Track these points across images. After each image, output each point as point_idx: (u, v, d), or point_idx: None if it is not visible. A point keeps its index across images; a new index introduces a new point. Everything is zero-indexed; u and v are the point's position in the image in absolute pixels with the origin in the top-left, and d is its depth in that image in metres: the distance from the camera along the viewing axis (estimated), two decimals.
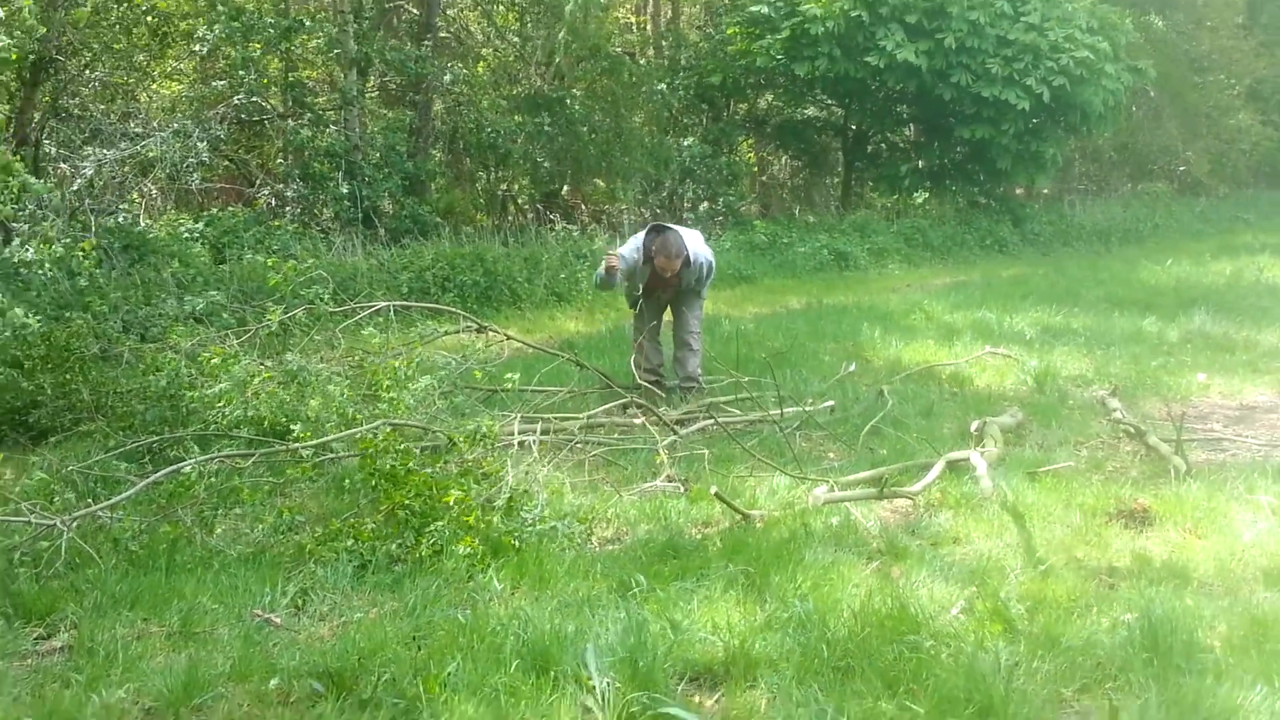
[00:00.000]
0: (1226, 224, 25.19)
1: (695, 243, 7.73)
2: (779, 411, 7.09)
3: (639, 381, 7.52)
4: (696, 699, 3.74)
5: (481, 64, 17.68)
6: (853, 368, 8.67)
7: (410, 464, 5.15)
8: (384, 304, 7.63)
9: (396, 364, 6.24)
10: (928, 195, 21.51)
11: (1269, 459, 6.47)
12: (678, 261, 7.47)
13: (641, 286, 7.78)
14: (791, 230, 18.03)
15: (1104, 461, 6.48)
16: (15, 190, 6.61)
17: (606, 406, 7.18)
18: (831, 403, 7.65)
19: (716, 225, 17.78)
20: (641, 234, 7.74)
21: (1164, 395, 8.25)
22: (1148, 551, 4.97)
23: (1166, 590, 4.49)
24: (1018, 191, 23.10)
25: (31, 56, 10.99)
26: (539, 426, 6.48)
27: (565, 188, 17.87)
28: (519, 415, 6.56)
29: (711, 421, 6.98)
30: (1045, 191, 24.42)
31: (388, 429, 5.45)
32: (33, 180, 7.01)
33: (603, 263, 7.56)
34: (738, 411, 7.42)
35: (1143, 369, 9.04)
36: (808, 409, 7.36)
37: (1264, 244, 19.17)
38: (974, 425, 6.99)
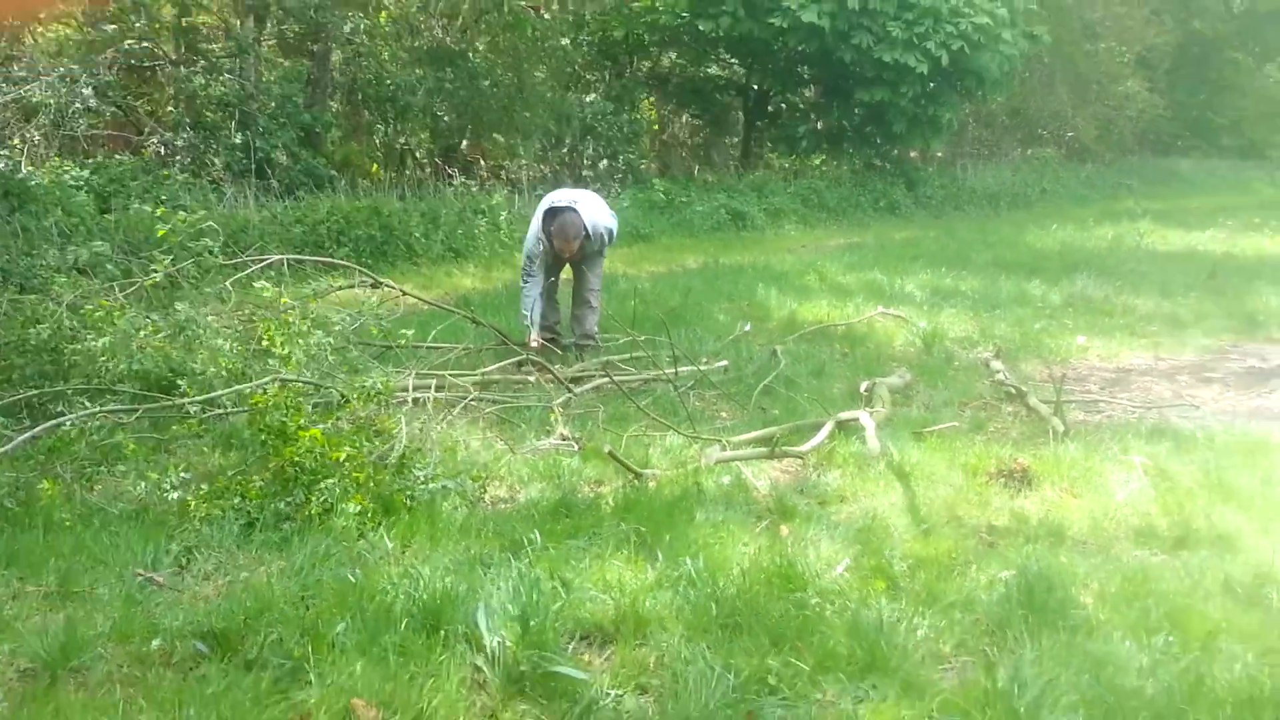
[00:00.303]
0: (1111, 190, 25.86)
1: (595, 211, 7.69)
2: (674, 371, 7.11)
3: (533, 338, 7.49)
4: (586, 658, 3.75)
5: (383, 14, 17.29)
6: (748, 328, 8.72)
7: (301, 420, 5.06)
8: (276, 257, 7.46)
9: (288, 318, 6.10)
10: (825, 157, 21.68)
11: (1143, 421, 6.67)
12: (575, 243, 7.46)
13: (547, 262, 7.73)
14: (690, 190, 18.04)
15: (986, 422, 6.62)
16: None
17: (502, 364, 7.14)
18: (725, 362, 7.69)
19: (616, 183, 17.70)
20: (538, 218, 7.67)
21: (1045, 357, 8.45)
22: (1026, 511, 5.10)
23: (1043, 548, 4.61)
24: (912, 155, 23.40)
25: None
26: (433, 384, 6.40)
27: (465, 143, 17.63)
28: (413, 372, 6.49)
29: (607, 380, 6.97)
30: (939, 155, 24.77)
31: (278, 385, 5.34)
32: None
33: (529, 338, 7.53)
34: (633, 370, 7.42)
35: (1026, 331, 9.25)
36: (702, 368, 7.39)
37: (1145, 210, 19.70)
38: (864, 386, 7.08)
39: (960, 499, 5.21)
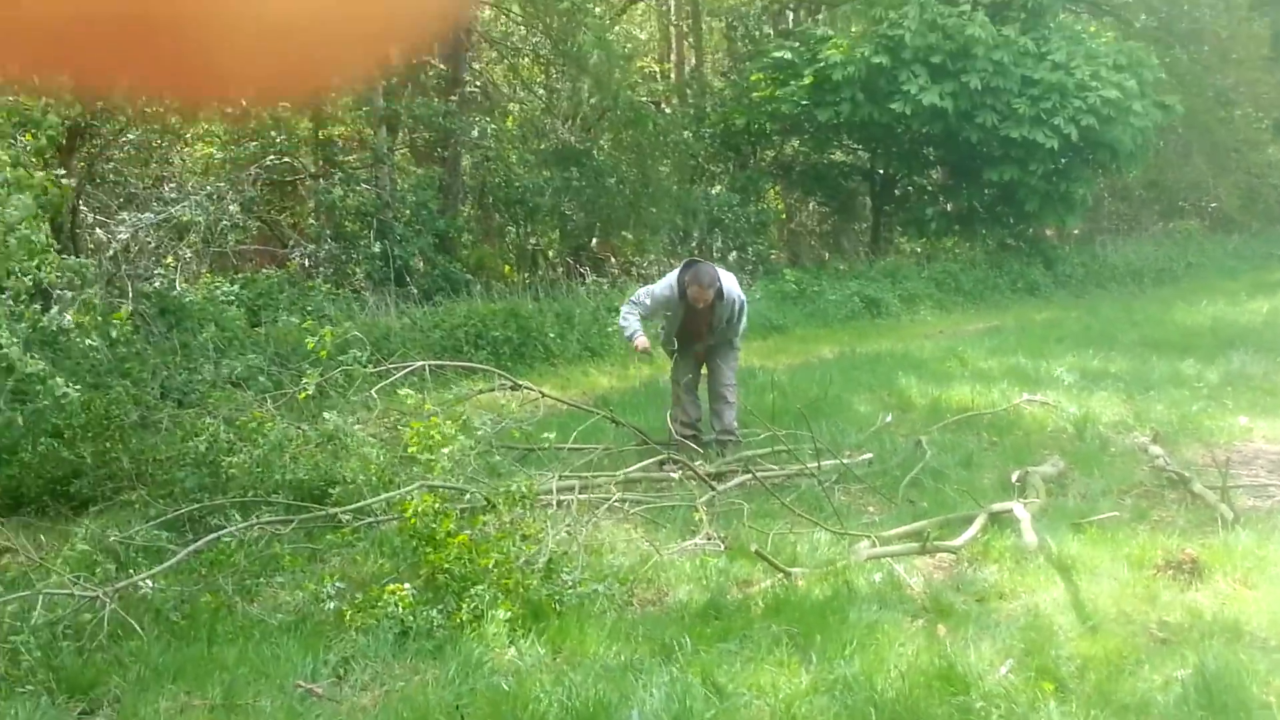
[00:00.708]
0: (1260, 260, 25.02)
1: (729, 280, 7.77)
2: (816, 464, 7.07)
3: (675, 437, 7.51)
4: None
5: (509, 118, 17.85)
6: (889, 418, 8.64)
7: (449, 526, 5.15)
8: (418, 364, 7.66)
9: (433, 424, 6.25)
10: (957, 239, 21.50)
11: None
12: (710, 291, 7.46)
13: (676, 327, 7.78)
14: (821, 278, 18.05)
15: (1149, 511, 6.41)
16: (54, 261, 6.69)
17: (644, 463, 7.18)
18: (869, 454, 7.63)
19: (746, 274, 17.77)
20: (675, 272, 7.78)
21: (1206, 440, 8.17)
22: (1198, 605, 4.90)
23: (1219, 645, 4.42)
24: (1048, 233, 23.05)
25: (67, 123, 11.18)
26: (576, 485, 6.47)
27: (594, 240, 17.97)
28: (556, 474, 6.56)
29: (749, 476, 6.96)
30: (1075, 232, 24.33)
31: (425, 491, 5.45)
32: (71, 259, 7.11)
33: (634, 341, 7.62)
34: (775, 466, 7.40)
35: (1183, 413, 8.96)
36: (845, 461, 7.33)
37: None
38: (1015, 475, 6.94)
39: (1127, 593, 5.04)
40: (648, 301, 7.70)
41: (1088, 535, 5.84)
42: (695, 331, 7.81)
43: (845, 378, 10.83)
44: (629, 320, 7.76)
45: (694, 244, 18.02)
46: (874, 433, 8.29)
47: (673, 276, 7.74)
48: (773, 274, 18.01)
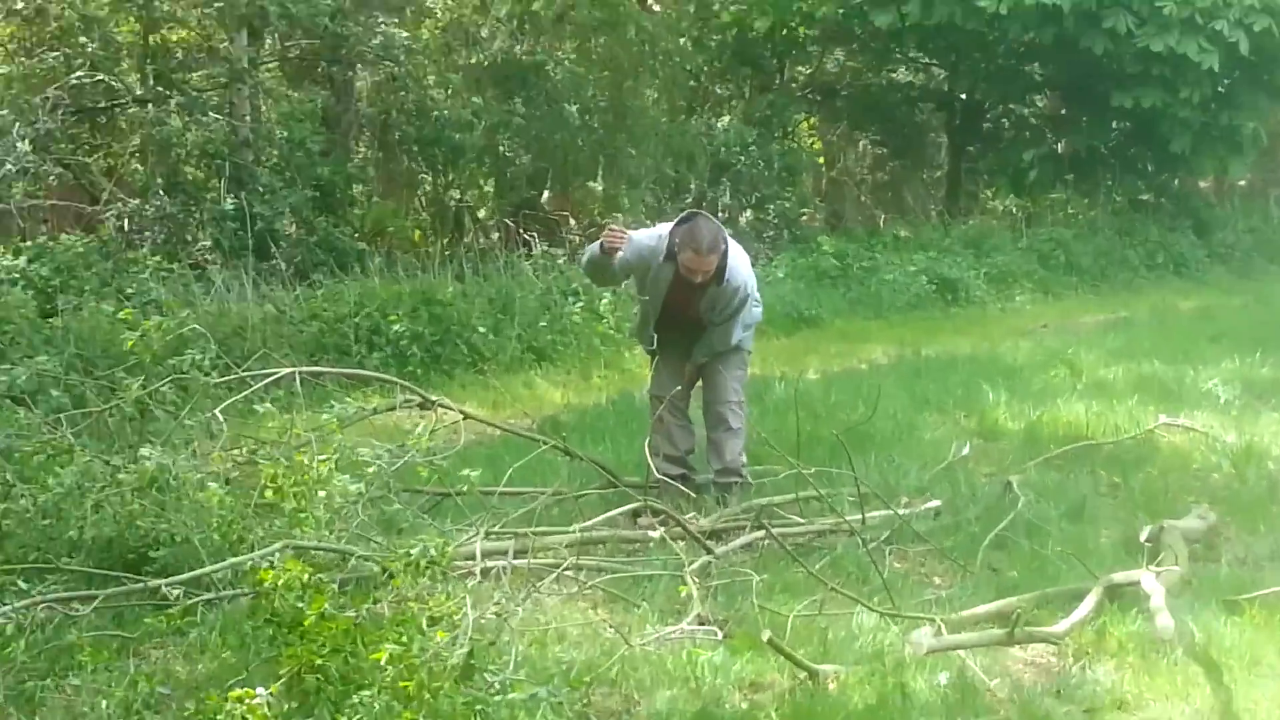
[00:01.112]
0: None
1: (739, 258, 7.74)
2: (860, 517, 7.07)
3: (657, 476, 7.49)
4: None
5: (427, 22, 17.82)
6: (967, 450, 8.65)
7: (323, 605, 5.13)
8: (286, 370, 7.61)
9: (303, 458, 6.22)
10: (1069, 193, 21.57)
11: None
12: (710, 259, 7.42)
13: (658, 306, 7.77)
14: (875, 249, 18.09)
15: None
16: None
17: (609, 514, 7.16)
18: (936, 502, 7.64)
19: (765, 245, 17.84)
20: (667, 224, 7.79)
21: None
22: None
23: None
24: (1202, 185, 23.20)
25: None
26: (511, 546, 6.44)
27: (546, 195, 17.97)
28: (482, 530, 6.54)
29: (762, 534, 6.95)
30: (1242, 183, 24.46)
31: (289, 554, 5.43)
32: None
33: (600, 239, 7.67)
34: (799, 518, 7.39)
35: None
36: (902, 512, 7.34)
37: None
38: (1145, 533, 6.96)
39: None
40: (633, 241, 7.72)
41: (1247, 618, 5.85)
42: (681, 317, 7.81)
43: (904, 391, 10.85)
44: (587, 252, 7.93)
45: (689, 198, 18.05)
46: (944, 471, 8.29)
47: (663, 229, 7.76)
48: (804, 243, 18.07)
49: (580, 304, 13.69)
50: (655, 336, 7.95)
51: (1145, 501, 7.84)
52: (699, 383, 8.19)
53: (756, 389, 9.54)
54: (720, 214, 18.56)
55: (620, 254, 7.60)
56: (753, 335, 8.31)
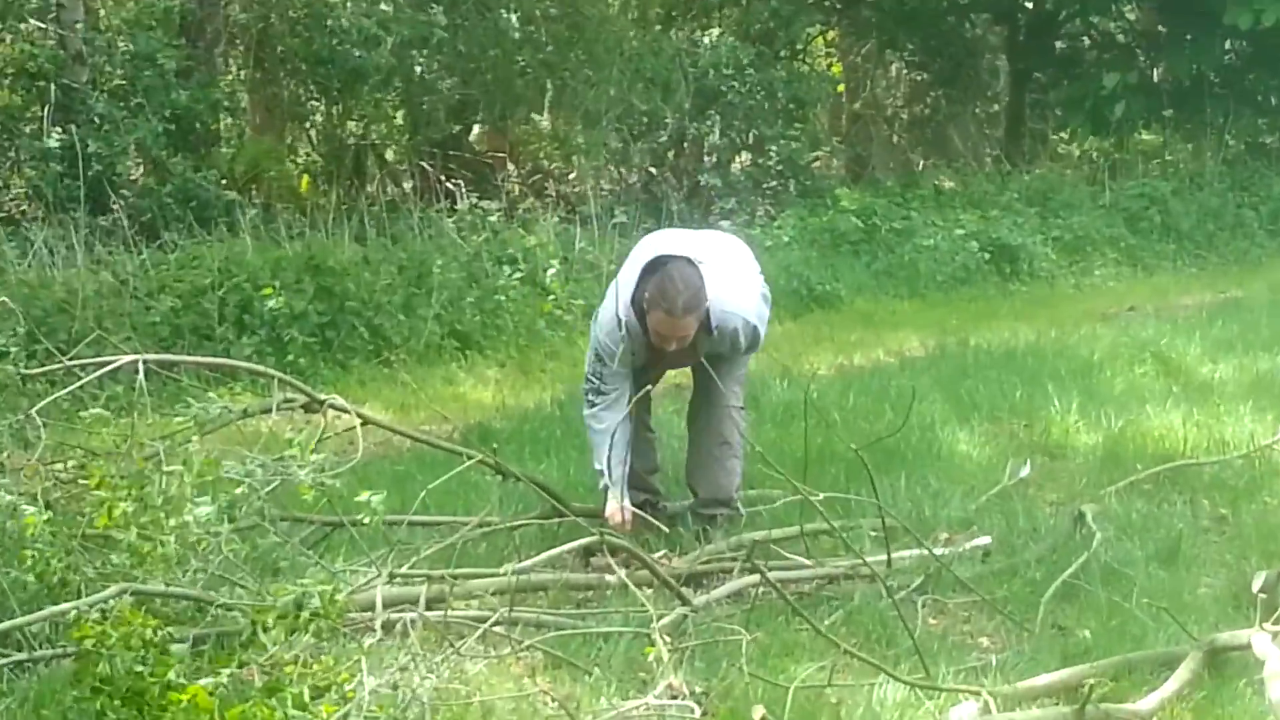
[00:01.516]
0: None
1: (731, 282, 7.67)
2: (884, 558, 7.09)
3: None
4: None
5: None
6: (1026, 471, 8.66)
7: (171, 671, 5.12)
8: (127, 359, 7.57)
9: (146, 473, 6.21)
10: (1166, 134, 21.60)
11: None
12: (689, 321, 7.39)
13: (639, 361, 7.79)
14: (910, 206, 18.11)
15: None
16: None
17: (554, 552, 7.15)
18: (985, 539, 7.67)
19: (766, 199, 17.84)
20: (628, 278, 7.69)
21: None
22: None
23: None
24: None
25: None
26: (423, 592, 6.43)
27: (477, 132, 17.95)
28: (386, 572, 6.52)
29: (756, 579, 6.95)
30: None
31: (129, 601, 5.42)
32: None
33: (610, 504, 7.65)
34: (804, 559, 7.39)
35: None
36: (940, 552, 7.36)
37: None
38: (1259, 581, 6.97)
39: None
40: (604, 371, 7.71)
41: None
42: (667, 364, 7.98)
43: (945, 393, 10.87)
44: (600, 439, 7.75)
45: (667, 139, 18.02)
46: (996, 498, 8.30)
47: (625, 291, 7.66)
48: (817, 197, 18.08)
49: (519, 274, 13.69)
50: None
51: (1259, 540, 7.83)
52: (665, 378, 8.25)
53: (751, 388, 9.52)
54: (706, 158, 18.63)
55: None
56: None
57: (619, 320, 7.57)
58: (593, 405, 7.77)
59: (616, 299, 7.65)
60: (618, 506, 7.60)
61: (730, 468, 7.97)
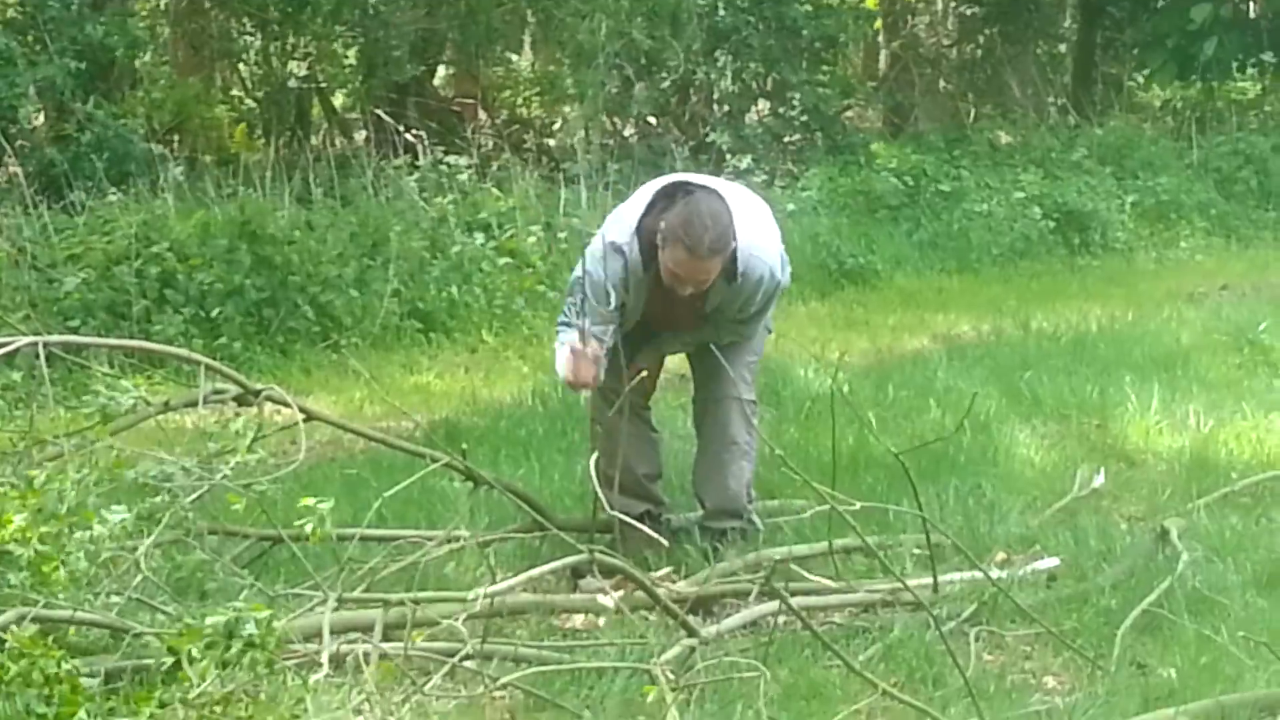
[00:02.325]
0: None
1: (756, 224, 7.68)
2: (930, 581, 7.08)
3: (608, 512, 7.48)
4: None
5: None
6: (1100, 480, 8.65)
7: (83, 709, 5.12)
8: (24, 341, 7.57)
9: (47, 478, 6.20)
10: (1269, 81, 21.60)
11: None
12: (713, 264, 7.34)
13: (632, 322, 7.75)
14: (960, 164, 18.11)
15: None
16: None
17: (535, 571, 7.13)
18: (1053, 561, 7.67)
19: (789, 155, 17.85)
20: (639, 200, 7.68)
21: None
22: None
23: None
24: None
25: None
26: (379, 619, 6.43)
27: (441, 74, 17.94)
28: (334, 596, 6.52)
29: (775, 605, 6.94)
30: None
31: (30, 629, 5.41)
32: None
33: (562, 346, 7.59)
34: (833, 582, 7.39)
35: None
36: (997, 575, 7.34)
37: None
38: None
39: None
40: (584, 305, 7.63)
41: None
42: (664, 323, 7.89)
43: (1002, 386, 10.88)
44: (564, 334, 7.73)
45: (671, 85, 18.01)
46: (1063, 511, 8.29)
47: (633, 212, 7.67)
48: (848, 153, 18.08)
49: (493, 243, 13.68)
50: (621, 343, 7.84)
51: None
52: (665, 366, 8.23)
53: (770, 379, 9.54)
54: (716, 106, 18.60)
55: (589, 338, 7.54)
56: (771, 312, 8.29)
57: (616, 249, 7.56)
58: (566, 330, 7.73)
59: (617, 233, 7.65)
60: (577, 342, 7.50)
61: (739, 471, 7.97)
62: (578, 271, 7.72)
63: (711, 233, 7.21)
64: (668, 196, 7.47)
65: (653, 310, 7.69)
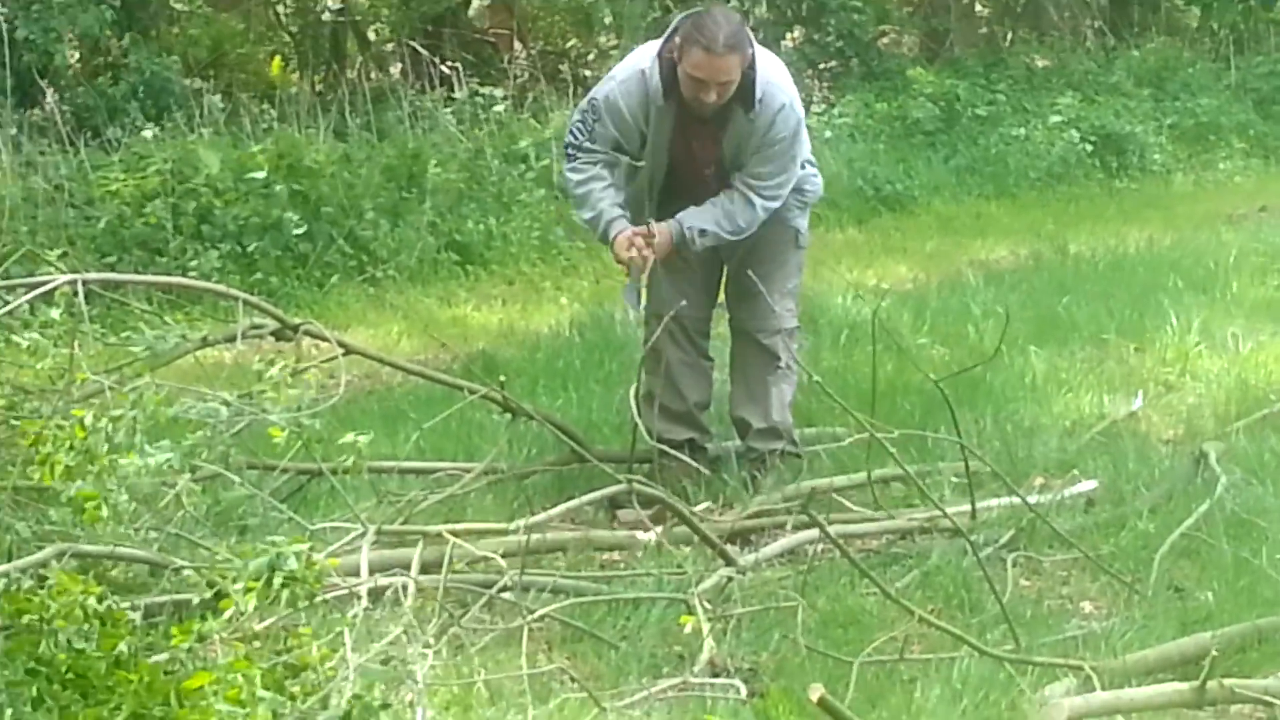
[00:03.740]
0: None
1: (771, 64, 7.72)
2: (968, 508, 7.08)
3: (652, 443, 7.48)
4: None
5: None
6: (1139, 404, 8.64)
7: (122, 645, 5.13)
8: (64, 279, 7.59)
9: (89, 414, 6.21)
10: None
11: None
12: (730, 60, 7.25)
13: (658, 168, 7.70)
14: (996, 88, 18.06)
15: None
16: None
17: (573, 503, 7.14)
18: (1091, 484, 7.66)
19: (824, 81, 17.80)
20: (652, 44, 7.70)
21: None
22: None
23: None
24: None
25: None
26: (418, 553, 6.44)
27: (475, 3, 17.90)
28: (373, 529, 6.52)
29: (814, 534, 6.94)
30: None
31: (70, 565, 5.43)
32: None
33: (613, 234, 7.52)
34: (872, 511, 7.38)
35: None
36: (1035, 500, 7.35)
37: None
38: None
39: None
40: (595, 125, 7.62)
41: None
42: (693, 182, 7.80)
43: (1040, 311, 10.85)
44: (587, 188, 7.68)
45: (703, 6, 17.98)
46: (1101, 436, 8.28)
47: (646, 50, 7.71)
48: (885, 79, 18.04)
49: (530, 175, 13.66)
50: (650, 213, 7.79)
51: None
52: (722, 296, 8.22)
53: (808, 307, 9.50)
54: (752, 33, 18.53)
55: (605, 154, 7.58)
56: (808, 219, 8.26)
57: (636, 73, 7.58)
58: (574, 159, 7.75)
59: (638, 53, 7.76)
60: (624, 231, 7.48)
61: (781, 396, 7.98)
62: (576, 122, 7.79)
63: (725, 29, 7.25)
64: (684, 21, 7.47)
65: (678, 149, 7.66)
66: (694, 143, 7.59)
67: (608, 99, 7.56)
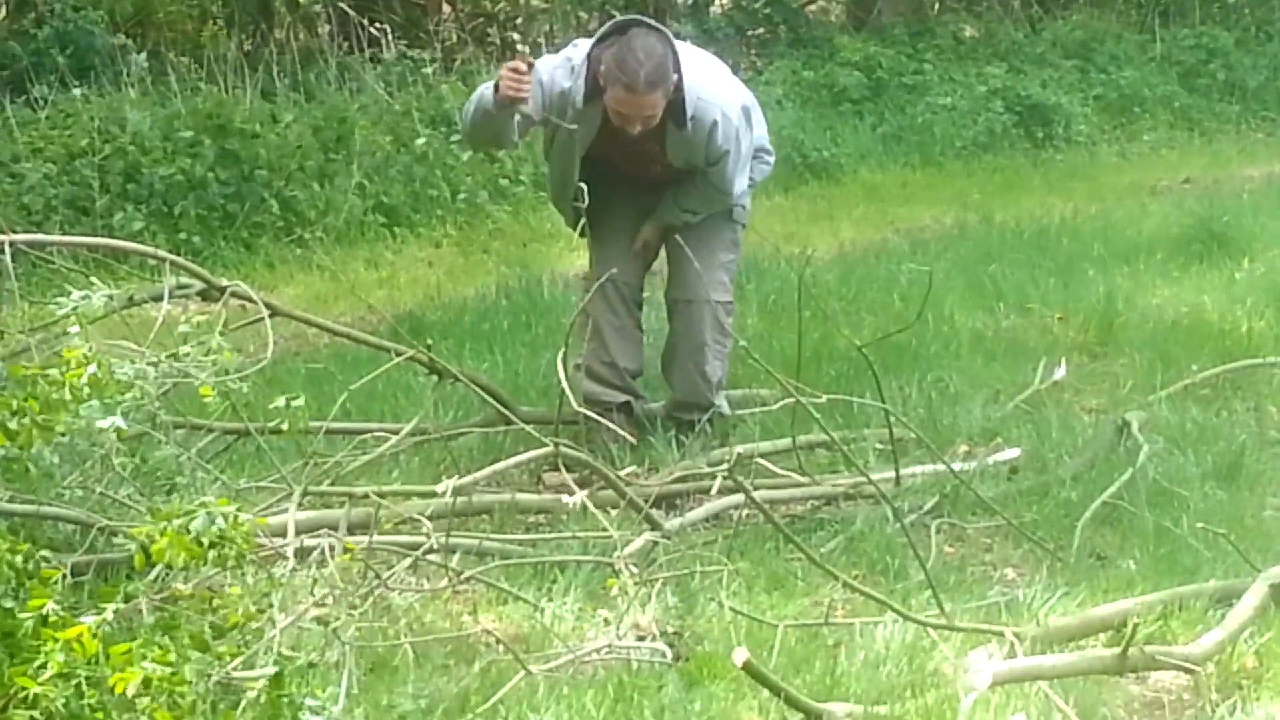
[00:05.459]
0: None
1: (708, 73, 7.69)
2: (892, 474, 7.11)
3: (576, 407, 7.48)
4: None
5: None
6: (1061, 372, 8.66)
7: (47, 605, 5.11)
8: None
9: (14, 372, 6.19)
10: None
11: None
12: (653, 99, 7.30)
13: (579, 162, 7.71)
14: (923, 57, 18.08)
15: None
16: None
17: (499, 465, 7.15)
18: (1013, 451, 7.69)
19: (751, 49, 17.80)
20: (583, 42, 7.70)
21: None
22: None
23: None
24: None
25: None
26: (344, 514, 6.44)
27: None
28: (300, 490, 6.52)
29: (739, 498, 6.96)
30: None
31: None
32: None
33: (495, 78, 7.51)
34: (798, 475, 7.40)
35: None
36: (959, 467, 7.39)
37: None
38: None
39: None
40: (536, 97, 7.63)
41: None
42: (629, 172, 7.82)
43: (965, 279, 10.90)
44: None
45: None
46: (1025, 404, 8.32)
47: (580, 50, 7.68)
48: (812, 47, 18.03)
49: (456, 137, 13.64)
50: (581, 201, 7.73)
51: None
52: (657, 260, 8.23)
53: (743, 273, 9.50)
54: (687, 3, 18.52)
55: (523, 101, 7.49)
56: (750, 194, 8.32)
57: (567, 66, 7.62)
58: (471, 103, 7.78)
59: (575, 48, 7.77)
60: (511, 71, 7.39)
61: (715, 364, 8.00)
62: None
63: (646, 67, 7.23)
64: (619, 30, 7.47)
65: (601, 150, 7.67)
66: (623, 149, 7.60)
67: (542, 83, 7.54)
